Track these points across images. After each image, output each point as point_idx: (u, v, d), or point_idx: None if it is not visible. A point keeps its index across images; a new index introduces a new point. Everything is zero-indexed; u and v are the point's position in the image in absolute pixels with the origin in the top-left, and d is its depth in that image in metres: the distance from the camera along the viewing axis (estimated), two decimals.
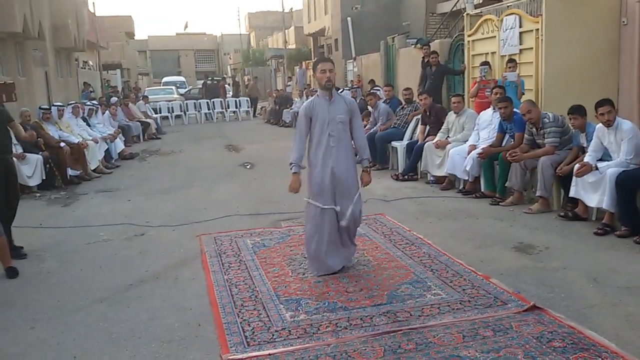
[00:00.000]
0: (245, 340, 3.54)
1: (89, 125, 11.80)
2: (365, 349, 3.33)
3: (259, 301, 4.18)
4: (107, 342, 3.67)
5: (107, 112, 13.91)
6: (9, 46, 14.16)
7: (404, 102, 10.04)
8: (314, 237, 4.63)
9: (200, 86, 32.79)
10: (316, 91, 5.37)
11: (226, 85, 29.27)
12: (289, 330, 3.65)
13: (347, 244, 4.79)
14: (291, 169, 4.67)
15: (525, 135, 6.66)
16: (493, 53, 10.19)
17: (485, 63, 9.61)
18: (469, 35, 11.06)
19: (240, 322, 3.81)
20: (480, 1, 14.61)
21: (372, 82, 16.55)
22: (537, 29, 8.89)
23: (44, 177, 9.17)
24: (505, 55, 9.73)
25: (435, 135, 8.35)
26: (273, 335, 3.60)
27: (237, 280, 4.64)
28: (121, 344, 3.63)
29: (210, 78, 27.74)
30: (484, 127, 7.58)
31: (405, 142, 9.28)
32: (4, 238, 5.14)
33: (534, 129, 6.53)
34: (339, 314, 3.87)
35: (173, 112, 22.40)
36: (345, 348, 3.35)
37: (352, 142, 4.80)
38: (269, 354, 3.34)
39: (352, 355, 3.27)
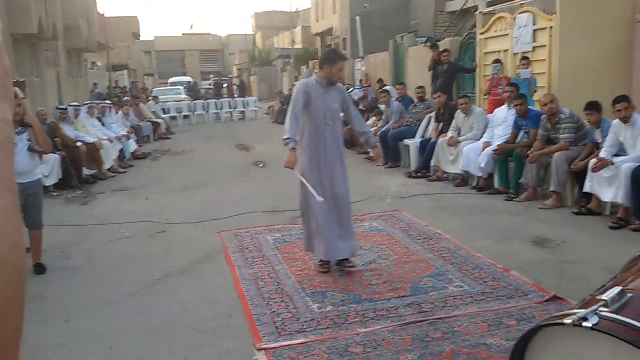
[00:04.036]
0: (276, 331, 3.66)
1: (103, 125, 11.95)
2: (394, 338, 3.45)
3: (285, 294, 4.30)
4: (143, 334, 3.79)
5: (120, 112, 14.08)
6: (24, 47, 14.35)
7: (416, 101, 10.15)
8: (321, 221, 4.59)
9: (208, 86, 33.10)
10: None
11: (233, 86, 29.46)
12: (318, 321, 3.77)
13: (348, 235, 4.73)
14: (287, 145, 4.62)
15: (540, 131, 6.76)
16: (505, 51, 10.28)
17: (498, 61, 9.70)
18: (481, 34, 11.14)
19: (270, 314, 3.93)
20: None
21: (380, 81, 16.64)
22: (551, 27, 8.97)
23: (61, 177, 9.30)
24: (517, 53, 9.82)
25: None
26: (303, 325, 3.72)
27: (262, 275, 4.76)
28: (157, 335, 3.76)
29: (217, 78, 28.28)
30: (499, 124, 7.69)
31: (418, 140, 9.38)
32: (41, 232, 5.27)
33: (549, 124, 6.63)
34: (365, 305, 3.99)
35: (182, 112, 22.55)
36: (375, 337, 3.47)
37: (351, 129, 4.95)
38: (302, 343, 3.46)
39: (382, 344, 3.39)
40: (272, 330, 3.67)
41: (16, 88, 5.31)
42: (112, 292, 4.62)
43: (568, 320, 1.47)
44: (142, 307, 4.26)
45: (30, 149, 4.99)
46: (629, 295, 1.51)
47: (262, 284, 4.54)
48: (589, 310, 1.45)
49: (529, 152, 6.65)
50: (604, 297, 1.49)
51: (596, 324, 1.39)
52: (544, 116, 6.74)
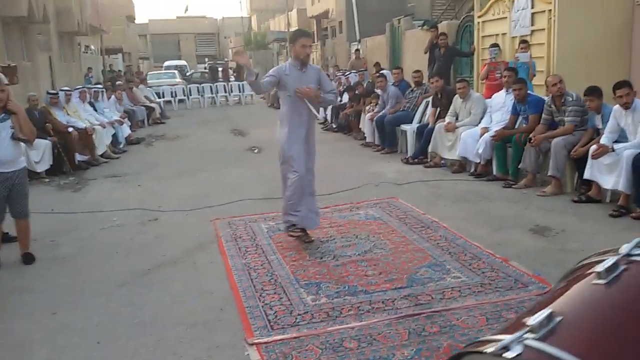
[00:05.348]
0: (269, 324, 3.55)
1: (95, 110, 11.76)
2: (390, 332, 3.34)
3: (278, 285, 4.19)
4: (131, 327, 3.68)
5: (112, 96, 13.87)
6: (13, 30, 14.10)
7: (413, 85, 9.98)
8: (294, 197, 4.94)
9: (203, 69, 32.83)
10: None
11: (229, 69, 29.20)
12: (312, 314, 3.66)
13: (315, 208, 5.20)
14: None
15: (544, 115, 6.60)
16: (504, 34, 10.11)
17: (495, 45, 9.53)
18: (479, 17, 10.96)
19: (262, 306, 3.82)
20: None
21: (377, 64, 16.44)
22: (550, 10, 8.80)
23: (52, 163, 9.16)
24: (515, 37, 9.65)
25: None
26: (296, 318, 3.61)
27: (255, 265, 4.64)
28: (145, 328, 3.65)
29: (212, 62, 28.06)
30: (497, 109, 7.54)
31: (415, 125, 9.23)
32: (28, 221, 5.13)
33: (554, 107, 6.47)
34: (360, 297, 3.88)
35: (176, 96, 22.30)
36: (370, 331, 3.36)
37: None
38: (294, 337, 3.35)
39: (377, 338, 3.28)
40: (265, 323, 3.56)
41: (0, 74, 5.16)
42: (101, 282, 4.50)
43: (489, 349, 1.31)
44: (131, 298, 4.14)
45: (14, 137, 4.84)
46: (558, 319, 1.34)
47: (254, 274, 4.43)
48: (513, 337, 1.28)
49: (531, 136, 6.50)
50: (530, 321, 1.31)
51: (519, 355, 1.24)
52: (548, 98, 6.58)
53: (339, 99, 13.75)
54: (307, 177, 5.02)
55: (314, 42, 31.74)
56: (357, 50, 20.00)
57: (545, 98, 6.76)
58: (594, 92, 5.90)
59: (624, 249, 1.47)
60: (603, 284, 1.36)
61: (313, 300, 3.88)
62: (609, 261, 1.40)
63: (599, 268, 1.38)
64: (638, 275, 1.40)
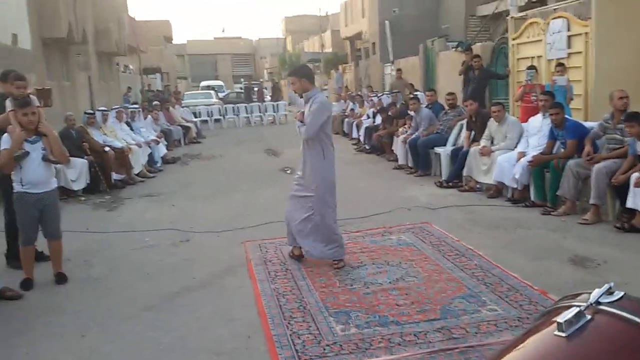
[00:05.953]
0: (296, 355, 3.46)
1: (132, 130, 11.94)
2: None
3: (307, 312, 4.10)
4: (157, 353, 3.64)
5: (149, 116, 14.09)
6: (54, 51, 14.50)
7: (447, 107, 9.87)
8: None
9: (239, 89, 33.26)
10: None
11: (264, 90, 29.48)
12: (341, 345, 3.57)
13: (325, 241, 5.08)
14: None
15: (596, 129, 6.41)
16: (539, 57, 9.95)
17: (532, 67, 9.37)
18: (513, 39, 10.83)
19: (290, 335, 3.75)
20: (523, 4, 14.31)
21: (411, 86, 16.37)
22: (587, 33, 8.63)
23: (89, 182, 9.30)
24: (551, 60, 9.48)
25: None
26: (324, 349, 3.52)
27: (284, 290, 4.58)
28: (171, 355, 3.61)
29: (247, 82, 28.43)
30: (534, 133, 7.36)
31: (449, 148, 9.09)
32: (60, 242, 5.18)
33: (611, 123, 6.26)
34: (391, 328, 3.77)
35: (212, 116, 22.59)
36: None
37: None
38: None
39: None
40: (292, 353, 3.48)
41: (32, 95, 5.25)
42: (131, 305, 4.50)
43: None
44: (158, 323, 4.11)
45: (45, 159, 4.90)
46: None
47: (283, 300, 4.36)
48: None
49: (590, 156, 6.27)
50: None
51: None
52: (607, 114, 6.38)
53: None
54: (303, 216, 5.12)
55: (347, 64, 31.93)
56: (399, 70, 19.10)
57: (587, 124, 6.56)
58: (634, 117, 5.70)
59: (593, 295, 1.29)
60: (564, 336, 1.19)
61: (342, 330, 3.79)
62: (573, 310, 1.22)
63: (560, 318, 1.21)
64: (604, 328, 1.22)
